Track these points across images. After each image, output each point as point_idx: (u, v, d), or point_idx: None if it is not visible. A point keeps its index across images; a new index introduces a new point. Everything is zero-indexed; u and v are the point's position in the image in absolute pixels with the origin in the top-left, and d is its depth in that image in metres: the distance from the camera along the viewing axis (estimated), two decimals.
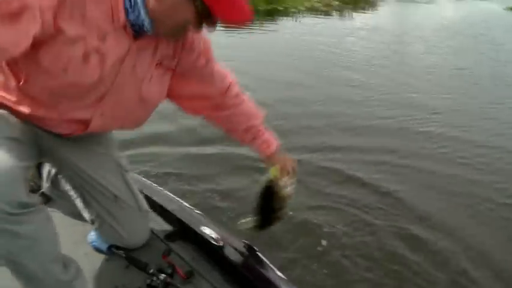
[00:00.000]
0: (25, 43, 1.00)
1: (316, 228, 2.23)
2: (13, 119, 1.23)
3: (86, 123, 1.25)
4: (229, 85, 1.40)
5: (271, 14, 9.88)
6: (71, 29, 1.08)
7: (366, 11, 11.41)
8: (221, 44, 5.05)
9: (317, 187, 2.64)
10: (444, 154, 3.35)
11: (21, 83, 1.17)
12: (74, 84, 1.14)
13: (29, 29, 1.00)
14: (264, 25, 8.74)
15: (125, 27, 1.15)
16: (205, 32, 1.21)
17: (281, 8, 10.38)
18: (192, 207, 1.66)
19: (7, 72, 1.18)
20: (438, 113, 4.32)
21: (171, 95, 1.37)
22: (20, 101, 1.20)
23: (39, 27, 1.01)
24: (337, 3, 11.82)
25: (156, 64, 1.27)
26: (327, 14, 10.73)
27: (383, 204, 2.50)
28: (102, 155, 1.43)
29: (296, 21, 9.68)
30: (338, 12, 10.90)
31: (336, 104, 4.40)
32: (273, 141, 1.47)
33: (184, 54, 1.31)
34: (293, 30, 8.61)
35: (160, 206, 1.65)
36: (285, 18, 9.87)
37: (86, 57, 1.14)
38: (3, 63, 1.16)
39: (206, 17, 1.13)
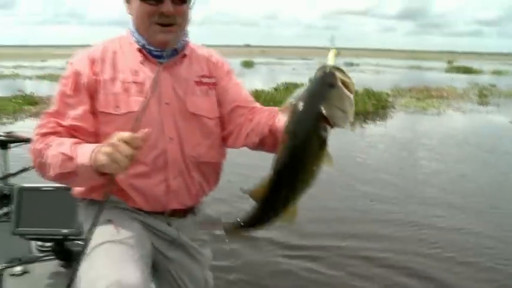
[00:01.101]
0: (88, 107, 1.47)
1: None
2: (135, 226, 1.52)
3: (164, 157, 1.52)
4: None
5: None
6: (106, 74, 1.51)
7: (375, 122, 11.86)
8: None
9: None
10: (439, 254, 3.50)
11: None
12: (129, 117, 1.43)
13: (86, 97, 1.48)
14: None
15: (145, 56, 1.57)
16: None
17: None
18: None
19: None
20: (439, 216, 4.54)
21: (223, 114, 1.65)
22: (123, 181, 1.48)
23: (87, 82, 1.48)
24: None
25: (197, 82, 1.60)
26: None
27: None
28: (197, 271, 1.71)
29: None
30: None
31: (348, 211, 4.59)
32: None
33: (218, 71, 1.69)
34: None
35: None
36: None
37: (126, 90, 1.50)
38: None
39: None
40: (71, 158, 1.33)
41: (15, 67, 33.38)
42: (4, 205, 2.25)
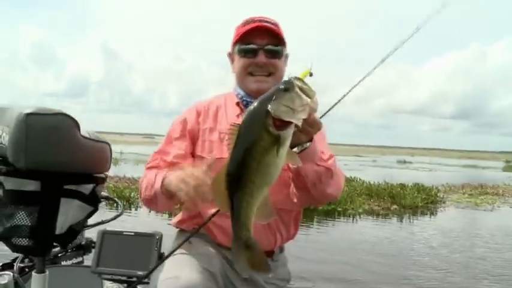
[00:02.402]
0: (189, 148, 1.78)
1: None
2: (209, 251, 1.73)
3: None
4: None
5: (330, 215, 10.55)
6: (207, 124, 1.82)
7: (425, 216, 11.63)
8: None
9: None
10: None
11: None
12: (221, 162, 1.49)
13: (188, 140, 1.80)
14: (321, 224, 9.37)
15: (241, 109, 1.81)
16: None
17: (340, 209, 11.05)
18: None
19: None
20: None
21: None
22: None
23: (191, 129, 1.80)
24: (395, 207, 12.31)
25: None
26: (385, 217, 11.16)
27: None
28: None
29: (354, 222, 10.18)
30: (397, 216, 11.28)
31: None
32: None
33: None
34: (351, 232, 9.07)
35: None
36: (343, 219, 10.46)
37: (222, 139, 1.77)
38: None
39: (248, 53, 1.75)
40: (153, 184, 1.63)
41: None
42: (79, 255, 2.45)
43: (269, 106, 1.11)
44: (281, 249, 1.95)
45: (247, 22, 1.79)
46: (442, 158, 77.46)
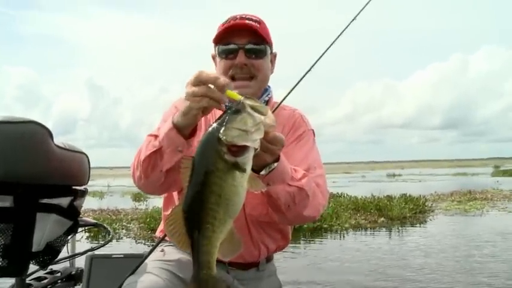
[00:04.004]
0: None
1: None
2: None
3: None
4: None
5: (316, 232, 10.32)
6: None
7: (414, 226, 11.47)
8: None
9: None
10: None
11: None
12: None
13: None
14: (309, 243, 9.14)
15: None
16: None
17: (326, 226, 10.81)
18: None
19: None
20: None
21: None
22: None
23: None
24: (383, 219, 12.11)
25: None
26: (373, 229, 10.95)
27: None
28: None
29: (341, 239, 9.92)
30: (385, 228, 11.08)
31: None
32: None
33: (291, 134, 1.77)
34: (338, 250, 8.83)
35: None
36: (330, 235, 10.21)
37: None
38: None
39: (228, 53, 1.66)
40: (156, 136, 1.44)
41: None
42: (70, 285, 2.37)
43: (220, 132, 1.03)
44: (268, 260, 1.86)
45: (227, 21, 1.71)
46: (433, 168, 77.86)
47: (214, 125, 1.07)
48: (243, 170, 1.05)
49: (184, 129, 1.37)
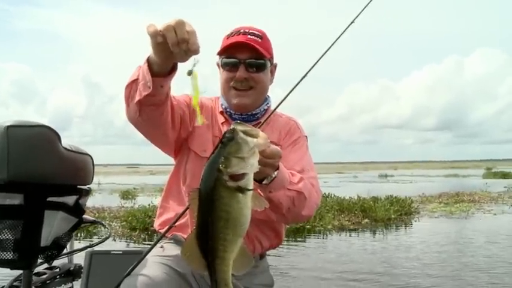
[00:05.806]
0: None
1: None
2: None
3: None
4: None
5: (300, 233, 10.25)
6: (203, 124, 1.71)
7: (399, 228, 11.43)
8: None
9: None
10: None
11: (186, 183, 1.82)
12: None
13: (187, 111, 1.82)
14: (291, 244, 9.08)
15: (226, 119, 1.89)
16: None
17: (308, 227, 10.73)
18: None
19: (184, 190, 1.82)
20: None
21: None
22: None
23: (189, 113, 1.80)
24: (367, 220, 12.07)
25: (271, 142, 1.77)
26: (356, 231, 10.89)
27: None
28: None
29: (325, 239, 9.86)
30: (369, 230, 11.03)
31: None
32: None
33: (287, 139, 1.92)
34: (320, 252, 8.78)
35: None
36: (313, 236, 10.13)
37: (215, 138, 1.82)
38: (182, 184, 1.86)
39: (230, 66, 1.79)
40: (139, 67, 1.50)
41: None
42: (68, 281, 2.36)
43: (220, 164, 1.12)
44: (261, 256, 1.96)
45: (231, 34, 1.83)
46: (426, 169, 78.13)
47: (213, 156, 1.15)
48: (246, 192, 1.15)
49: (155, 65, 1.42)
